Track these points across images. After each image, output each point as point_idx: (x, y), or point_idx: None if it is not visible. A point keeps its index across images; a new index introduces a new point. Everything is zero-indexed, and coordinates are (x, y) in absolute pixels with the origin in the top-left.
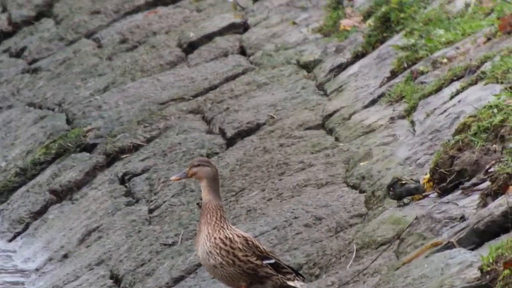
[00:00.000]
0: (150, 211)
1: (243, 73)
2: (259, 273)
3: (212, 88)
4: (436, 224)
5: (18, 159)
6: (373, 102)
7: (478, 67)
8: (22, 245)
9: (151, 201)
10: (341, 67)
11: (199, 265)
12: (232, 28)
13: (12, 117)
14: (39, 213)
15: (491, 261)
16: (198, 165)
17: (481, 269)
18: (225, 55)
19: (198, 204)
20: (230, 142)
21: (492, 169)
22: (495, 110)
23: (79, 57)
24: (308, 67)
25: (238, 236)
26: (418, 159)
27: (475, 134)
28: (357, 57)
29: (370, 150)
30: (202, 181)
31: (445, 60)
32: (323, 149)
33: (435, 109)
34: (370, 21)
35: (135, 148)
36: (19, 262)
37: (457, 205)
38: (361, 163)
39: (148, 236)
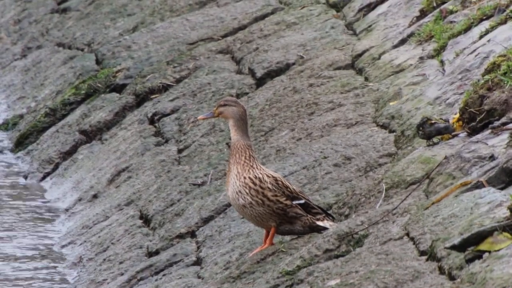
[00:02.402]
0: (180, 151)
1: (272, 12)
2: (288, 213)
3: (241, 28)
4: (465, 164)
5: (48, 100)
6: (402, 42)
7: (508, 6)
8: (52, 185)
9: (181, 141)
10: (370, 7)
11: (229, 205)
12: None
13: (41, 57)
14: (68, 153)
15: None
16: (225, 104)
17: (510, 208)
18: None
19: (227, 144)
20: (260, 82)
21: None
22: None
23: None
24: (337, 6)
25: (268, 176)
26: (447, 99)
27: (504, 74)
28: None
29: (400, 90)
30: (229, 120)
31: None
32: (352, 89)
33: (464, 48)
34: None
35: (165, 88)
36: (49, 202)
37: (487, 144)
38: (391, 103)
39: (177, 176)
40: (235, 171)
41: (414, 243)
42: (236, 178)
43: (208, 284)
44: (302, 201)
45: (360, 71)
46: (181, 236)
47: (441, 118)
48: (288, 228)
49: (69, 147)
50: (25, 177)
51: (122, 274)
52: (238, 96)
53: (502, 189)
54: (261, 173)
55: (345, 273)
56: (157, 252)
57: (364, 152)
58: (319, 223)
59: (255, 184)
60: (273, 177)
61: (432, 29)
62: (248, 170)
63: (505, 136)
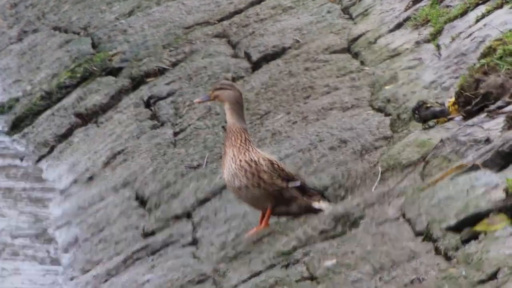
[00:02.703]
0: (175, 134)
1: None
2: (284, 195)
3: (238, 12)
4: (461, 147)
5: (44, 83)
6: (398, 26)
7: None
8: (48, 168)
9: (176, 124)
10: None
11: (224, 187)
12: None
13: (37, 41)
14: (64, 136)
15: None
16: (221, 88)
17: (506, 190)
18: None
19: (223, 127)
20: (256, 66)
21: None
22: None
23: None
24: None
25: (264, 159)
26: (443, 83)
27: (500, 58)
28: None
29: (396, 74)
30: (225, 104)
31: None
32: (348, 72)
33: (460, 32)
34: None
35: (161, 72)
36: (44, 184)
37: (482, 127)
38: (387, 87)
39: (173, 158)
40: (231, 154)
41: (410, 224)
42: (231, 161)
43: (204, 264)
44: (298, 183)
45: (356, 55)
46: (177, 217)
47: (436, 102)
48: (284, 210)
49: (64, 130)
50: (21, 160)
51: (118, 254)
52: (234, 79)
53: (497, 171)
54: (256, 156)
55: (341, 254)
56: (153, 233)
57: (360, 136)
58: (315, 204)
59: (250, 166)
60: (268, 160)
61: (428, 13)
62: (244, 153)
63: (500, 119)
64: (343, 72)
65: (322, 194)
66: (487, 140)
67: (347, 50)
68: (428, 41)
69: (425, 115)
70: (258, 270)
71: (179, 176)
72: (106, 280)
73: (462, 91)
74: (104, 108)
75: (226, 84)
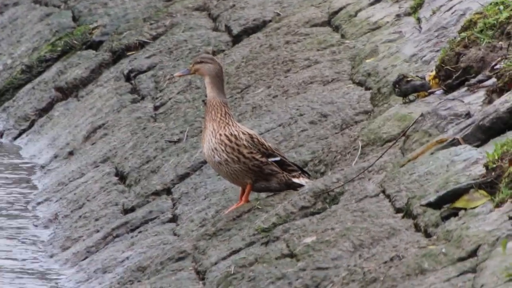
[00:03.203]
0: (156, 108)
1: None
2: (264, 171)
3: None
4: (441, 121)
5: (24, 57)
6: None
7: None
8: (28, 142)
9: (157, 98)
10: None
11: (204, 162)
12: None
13: (18, 14)
14: (44, 110)
15: (496, 158)
16: (201, 62)
17: (486, 166)
18: None
19: (203, 101)
20: (236, 39)
21: (498, 66)
22: (501, 7)
23: None
24: None
25: (243, 133)
26: (424, 56)
27: (481, 31)
28: None
29: (376, 47)
30: (205, 77)
31: None
32: (329, 46)
33: (441, 6)
34: None
35: (141, 45)
36: (25, 159)
37: (463, 102)
38: (367, 60)
39: (153, 133)
40: (211, 128)
41: (390, 201)
42: (211, 135)
43: (184, 241)
44: (277, 158)
45: (336, 28)
46: (156, 193)
47: (417, 76)
48: (264, 185)
49: (45, 104)
50: (1, 135)
51: (97, 231)
52: (214, 53)
53: (478, 146)
54: (236, 130)
55: (321, 230)
56: (132, 209)
57: (340, 110)
58: (295, 180)
59: (230, 141)
60: (248, 134)
61: None
62: (224, 127)
63: (481, 93)
64: (323, 45)
65: (302, 169)
66: (468, 114)
67: (327, 23)
68: (408, 14)
69: (406, 89)
70: (238, 247)
71: (159, 151)
72: (85, 258)
73: (442, 65)
74: (84, 82)
75: (206, 57)
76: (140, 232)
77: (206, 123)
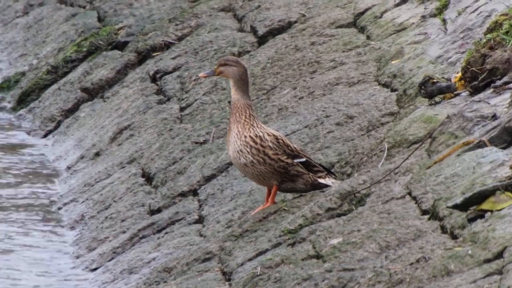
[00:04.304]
0: (182, 109)
1: None
2: (290, 172)
3: None
4: (467, 123)
5: (50, 57)
6: (404, 0)
7: None
8: (54, 143)
9: (183, 99)
10: None
11: (230, 163)
12: None
13: (43, 14)
14: (70, 111)
15: None
16: (225, 64)
17: None
18: None
19: (229, 102)
20: (262, 40)
21: None
22: None
23: None
24: None
25: (269, 135)
26: (449, 58)
27: (507, 33)
28: None
29: (402, 49)
30: (230, 80)
31: None
32: (354, 47)
33: (466, 7)
34: None
35: (167, 46)
36: (51, 160)
37: (489, 103)
38: (393, 62)
39: (179, 134)
40: (236, 130)
41: (416, 202)
42: (236, 137)
43: (210, 242)
44: (303, 159)
45: (362, 30)
46: (183, 195)
47: (443, 77)
48: (290, 186)
49: (71, 104)
50: (28, 135)
51: (124, 232)
52: (240, 54)
53: (504, 148)
54: (261, 132)
55: (347, 232)
56: (159, 210)
57: (366, 111)
58: (321, 180)
59: (256, 142)
60: (273, 135)
61: None
62: (249, 129)
63: (507, 95)
64: (349, 46)
65: (328, 170)
66: (494, 116)
67: (353, 24)
68: (434, 15)
69: (431, 90)
70: (264, 249)
71: (186, 152)
72: (112, 258)
73: (468, 66)
74: (110, 83)
75: (231, 60)
76: (166, 233)
77: (230, 125)
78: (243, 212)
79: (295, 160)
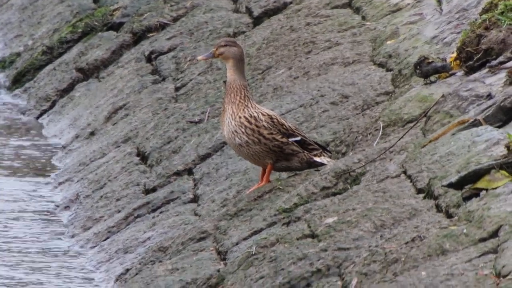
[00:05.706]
0: (177, 89)
1: None
2: (285, 151)
3: None
4: (462, 102)
5: (45, 38)
6: None
7: None
8: (49, 123)
9: (178, 79)
10: None
11: (225, 143)
12: None
13: None
14: (65, 91)
15: None
16: (225, 45)
17: (507, 146)
18: None
19: (225, 82)
20: (257, 21)
21: None
22: None
23: None
24: None
25: (263, 114)
26: (444, 38)
27: (502, 13)
28: None
29: (397, 29)
30: (229, 61)
31: None
32: (350, 27)
33: None
34: None
35: (162, 26)
36: (46, 139)
37: (484, 83)
38: (388, 42)
39: (174, 113)
40: (230, 111)
41: (411, 181)
42: (231, 118)
43: (205, 221)
44: (298, 138)
45: (357, 10)
46: (178, 174)
47: (438, 57)
48: (285, 165)
49: (66, 84)
50: (23, 114)
51: (119, 211)
52: (235, 35)
53: (499, 127)
54: (256, 112)
55: (342, 211)
56: (154, 189)
57: (362, 91)
58: (316, 158)
59: (250, 123)
60: (268, 115)
61: None
62: (243, 110)
63: (502, 75)
64: (344, 27)
65: (323, 147)
66: (489, 96)
67: (348, 5)
68: None
69: (427, 70)
70: (259, 228)
71: (181, 131)
72: (107, 238)
73: (463, 47)
74: (105, 63)
75: (230, 41)
76: (161, 212)
77: (225, 105)
78: (238, 191)
79: (290, 139)
